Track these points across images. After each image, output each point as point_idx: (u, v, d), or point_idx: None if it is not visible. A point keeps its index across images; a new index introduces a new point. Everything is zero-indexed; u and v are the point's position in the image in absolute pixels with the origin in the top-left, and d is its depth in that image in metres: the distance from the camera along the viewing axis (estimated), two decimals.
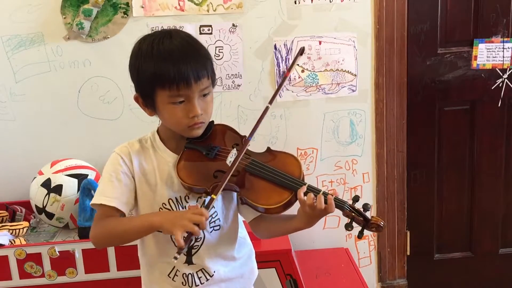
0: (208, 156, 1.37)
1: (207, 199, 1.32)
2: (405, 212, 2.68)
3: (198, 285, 1.43)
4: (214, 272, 1.44)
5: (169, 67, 1.28)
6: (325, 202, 1.26)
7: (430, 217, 2.73)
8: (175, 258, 1.20)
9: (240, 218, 1.50)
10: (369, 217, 1.28)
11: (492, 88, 2.59)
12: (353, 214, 1.28)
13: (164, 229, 1.27)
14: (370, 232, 1.30)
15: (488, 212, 2.74)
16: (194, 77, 1.29)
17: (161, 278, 1.44)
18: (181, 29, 2.28)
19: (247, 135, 1.38)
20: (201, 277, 1.43)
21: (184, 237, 1.21)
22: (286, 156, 1.39)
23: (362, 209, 1.28)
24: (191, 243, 1.24)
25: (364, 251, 2.67)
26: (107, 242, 1.43)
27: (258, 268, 1.58)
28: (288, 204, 1.31)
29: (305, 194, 1.28)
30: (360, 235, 1.30)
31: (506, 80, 2.57)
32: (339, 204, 1.28)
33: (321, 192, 1.27)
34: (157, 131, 1.44)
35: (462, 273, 2.79)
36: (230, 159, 1.36)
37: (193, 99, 1.31)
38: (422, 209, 2.71)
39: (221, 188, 1.29)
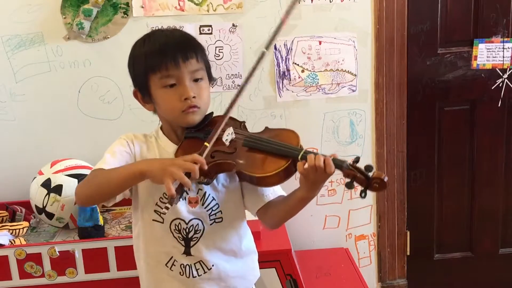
0: (206, 139, 1.35)
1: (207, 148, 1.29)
2: (405, 212, 2.68)
3: (196, 276, 1.42)
4: (213, 265, 1.43)
5: (156, 49, 1.35)
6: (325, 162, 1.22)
7: (430, 217, 2.73)
8: (167, 208, 1.19)
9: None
10: (370, 176, 1.23)
11: (492, 88, 2.59)
12: (353, 172, 1.23)
13: (152, 177, 1.22)
14: (374, 191, 1.24)
15: (488, 212, 2.74)
16: (182, 56, 1.33)
17: (158, 268, 1.44)
18: (181, 29, 2.28)
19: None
20: (198, 269, 1.42)
21: (176, 186, 1.17)
22: (284, 130, 1.40)
23: (363, 169, 1.23)
24: (183, 194, 1.19)
25: (364, 251, 2.67)
26: (89, 193, 1.33)
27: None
28: (287, 172, 1.28)
29: (304, 158, 1.24)
30: (364, 194, 1.23)
31: (506, 80, 2.57)
32: (338, 163, 1.23)
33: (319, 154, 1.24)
34: (161, 128, 1.47)
35: (462, 273, 2.79)
36: (226, 137, 1.36)
37: (183, 81, 1.34)
38: (422, 209, 2.71)
39: (215, 136, 1.29)
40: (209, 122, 1.41)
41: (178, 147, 1.40)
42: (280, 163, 1.28)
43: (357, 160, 1.26)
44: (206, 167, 1.25)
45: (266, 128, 1.43)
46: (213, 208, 1.41)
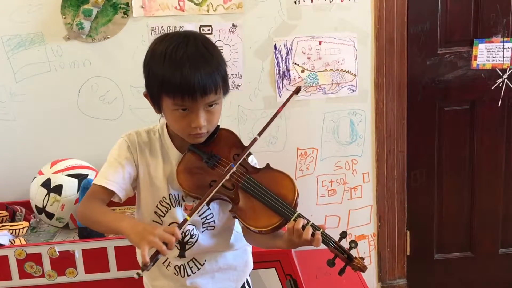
0: (208, 164, 1.37)
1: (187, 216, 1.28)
2: (405, 212, 2.68)
3: (190, 274, 1.46)
4: (205, 261, 1.46)
5: (176, 77, 1.26)
6: (312, 235, 1.27)
7: (430, 217, 2.73)
8: (138, 274, 1.17)
9: None
10: (353, 257, 1.30)
11: (492, 88, 2.59)
12: (337, 251, 1.29)
13: (130, 240, 1.22)
14: (353, 270, 1.32)
15: (488, 212, 2.74)
16: (200, 91, 1.27)
17: (156, 265, 1.45)
18: (181, 29, 2.28)
19: (235, 160, 1.37)
20: (192, 267, 1.46)
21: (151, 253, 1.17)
22: (283, 177, 1.38)
23: (348, 247, 1.29)
24: (156, 262, 1.19)
25: (364, 251, 2.67)
26: (87, 223, 1.39)
27: (258, 268, 1.59)
28: (277, 228, 1.32)
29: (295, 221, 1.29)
30: (341, 273, 1.30)
31: (506, 80, 2.57)
32: (325, 240, 1.29)
33: (310, 224, 1.28)
34: (166, 124, 1.44)
35: (462, 273, 2.80)
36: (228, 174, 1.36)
37: (197, 111, 1.30)
38: (422, 209, 2.71)
39: (195, 212, 1.28)
40: (216, 138, 1.41)
41: (180, 160, 1.38)
42: (272, 220, 1.31)
43: (344, 235, 1.31)
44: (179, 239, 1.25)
45: (267, 166, 1.41)
46: (208, 217, 1.43)
